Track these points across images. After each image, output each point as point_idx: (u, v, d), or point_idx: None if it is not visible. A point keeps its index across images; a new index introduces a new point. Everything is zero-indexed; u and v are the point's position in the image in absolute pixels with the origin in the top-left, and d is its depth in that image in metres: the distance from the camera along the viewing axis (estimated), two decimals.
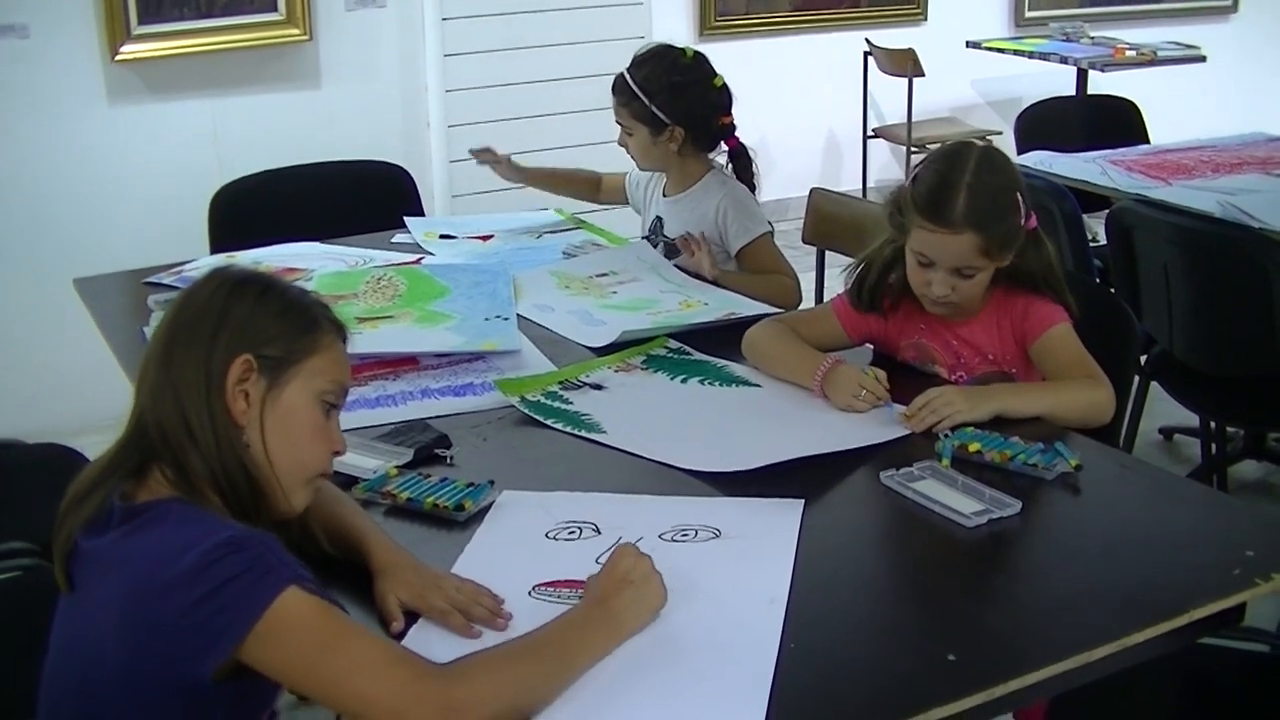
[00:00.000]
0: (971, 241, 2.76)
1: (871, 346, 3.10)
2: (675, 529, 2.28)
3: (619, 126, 3.95)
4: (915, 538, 2.35)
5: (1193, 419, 5.00)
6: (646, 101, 3.84)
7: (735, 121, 3.96)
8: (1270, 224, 4.21)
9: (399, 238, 4.12)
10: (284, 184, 4.54)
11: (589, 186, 4.40)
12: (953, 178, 2.77)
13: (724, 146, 3.98)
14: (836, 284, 3.18)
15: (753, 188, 3.98)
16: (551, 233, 4.17)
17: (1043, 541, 2.35)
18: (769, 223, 3.90)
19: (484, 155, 4.32)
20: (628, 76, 3.89)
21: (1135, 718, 2.49)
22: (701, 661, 1.90)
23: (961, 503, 2.35)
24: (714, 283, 3.68)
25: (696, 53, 3.95)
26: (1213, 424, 4.91)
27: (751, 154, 4.01)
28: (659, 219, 4.04)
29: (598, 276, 3.68)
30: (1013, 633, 2.02)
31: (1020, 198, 2.82)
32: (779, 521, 2.31)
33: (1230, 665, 2.66)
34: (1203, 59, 8.51)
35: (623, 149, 3.99)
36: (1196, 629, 2.08)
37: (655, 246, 4.00)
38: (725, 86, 3.93)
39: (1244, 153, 5.32)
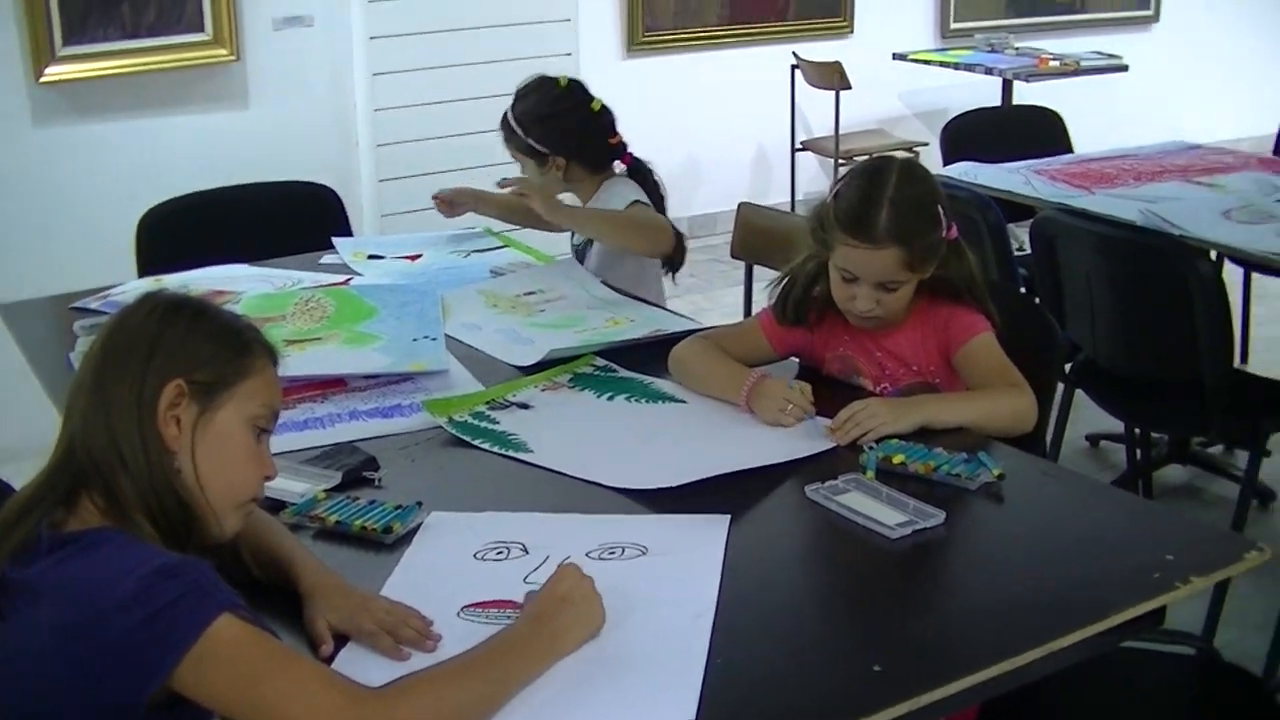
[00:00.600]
0: (895, 256, 2.79)
1: (797, 360, 3.13)
2: (603, 547, 2.29)
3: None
4: (841, 550, 2.37)
5: (1119, 425, 5.05)
6: (523, 135, 3.92)
7: (625, 140, 4.02)
8: (1191, 231, 4.27)
9: (327, 258, 4.12)
10: (212, 206, 4.52)
11: (529, 211, 4.38)
12: (874, 194, 2.80)
13: (621, 166, 4.03)
14: (765, 297, 3.22)
15: (660, 198, 4.02)
16: (479, 251, 4.18)
17: (967, 550, 2.39)
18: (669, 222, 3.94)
19: (450, 207, 4.31)
20: (508, 112, 3.96)
21: None
22: (630, 677, 1.92)
23: (886, 514, 2.37)
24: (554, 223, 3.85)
25: (571, 80, 4.00)
26: (1137, 430, 4.97)
27: (650, 167, 4.05)
28: (573, 232, 4.10)
29: (525, 295, 3.69)
30: (937, 641, 2.04)
31: (941, 210, 2.85)
32: (705, 537, 2.32)
33: (1155, 667, 2.70)
34: (1125, 68, 8.61)
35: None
36: (1119, 633, 2.12)
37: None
38: (605, 109, 3.99)
39: (1165, 161, 5.38)
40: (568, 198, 4.05)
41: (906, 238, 2.78)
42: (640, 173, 4.02)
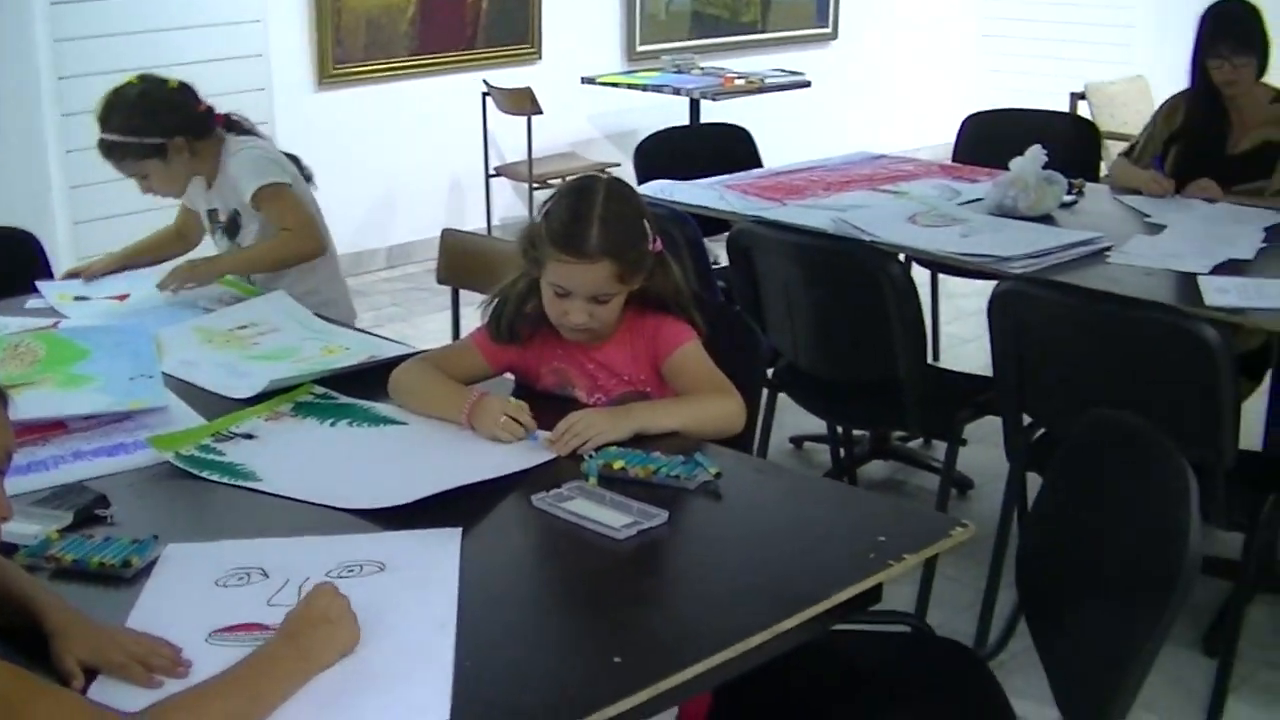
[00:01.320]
0: (607, 269, 2.89)
1: (512, 377, 3.21)
2: (341, 566, 2.34)
3: (139, 182, 4.14)
4: (572, 553, 2.45)
5: (820, 426, 5.24)
6: (138, 140, 4.02)
7: (211, 103, 4.21)
8: (880, 236, 4.47)
9: (33, 303, 4.05)
10: None
11: (175, 240, 4.51)
12: (584, 210, 2.90)
13: (221, 130, 4.21)
14: (471, 320, 3.30)
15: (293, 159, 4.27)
16: (189, 288, 4.16)
17: (691, 546, 2.51)
18: (294, 181, 4.18)
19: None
20: (107, 137, 4.04)
21: (791, 704, 2.64)
22: (383, 688, 1.97)
23: (611, 517, 2.47)
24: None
25: (140, 75, 4.14)
26: (839, 429, 5.16)
27: (240, 117, 4.28)
28: (211, 210, 4.28)
29: (239, 329, 3.70)
30: (671, 632, 2.15)
31: (647, 224, 2.98)
32: (439, 550, 2.39)
33: (874, 646, 2.85)
34: (807, 84, 8.91)
35: (154, 195, 4.22)
36: (839, 612, 2.26)
37: (215, 234, 4.32)
38: (182, 83, 4.15)
39: (851, 171, 5.60)
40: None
41: (617, 251, 2.89)
42: (237, 125, 4.25)
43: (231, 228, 4.23)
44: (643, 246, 2.96)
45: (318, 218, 4.18)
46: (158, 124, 4.02)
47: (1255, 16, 4.97)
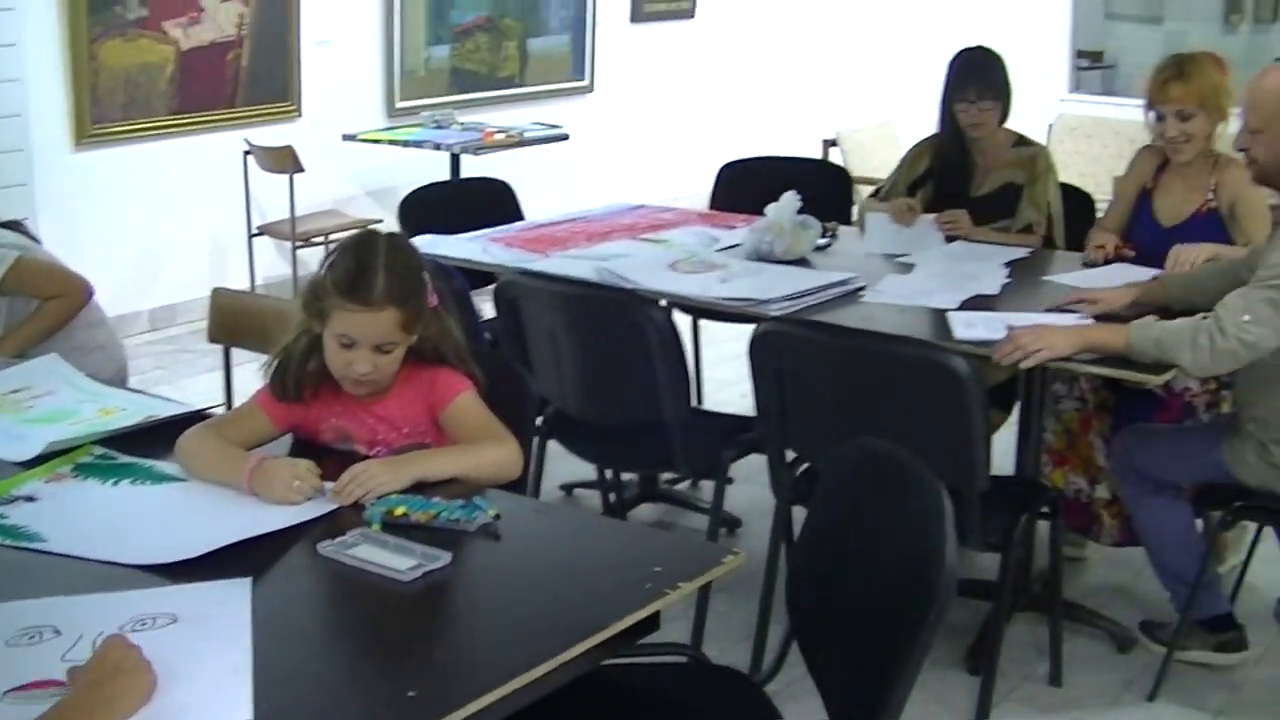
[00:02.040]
0: (392, 317, 2.99)
1: (289, 436, 3.25)
2: (134, 619, 2.37)
3: None
4: (360, 597, 2.53)
5: (589, 472, 5.34)
6: None
7: None
8: (642, 284, 4.59)
9: None
10: None
11: None
12: (368, 261, 3.00)
13: None
14: (243, 379, 3.34)
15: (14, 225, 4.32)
16: None
17: (475, 584, 2.60)
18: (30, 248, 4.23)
19: None
20: None
21: None
22: None
23: (396, 561, 2.55)
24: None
25: None
26: (608, 473, 5.27)
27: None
28: None
29: (11, 393, 3.67)
30: (462, 666, 2.25)
31: (426, 276, 3.08)
32: (230, 600, 2.44)
33: (653, 675, 2.96)
34: (566, 137, 9.06)
35: None
36: (620, 641, 2.37)
37: None
38: None
39: (612, 221, 5.73)
40: None
41: (402, 299, 2.99)
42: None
43: None
44: (424, 297, 3.06)
45: (67, 268, 4.17)
46: None
47: (999, 64, 5.24)
